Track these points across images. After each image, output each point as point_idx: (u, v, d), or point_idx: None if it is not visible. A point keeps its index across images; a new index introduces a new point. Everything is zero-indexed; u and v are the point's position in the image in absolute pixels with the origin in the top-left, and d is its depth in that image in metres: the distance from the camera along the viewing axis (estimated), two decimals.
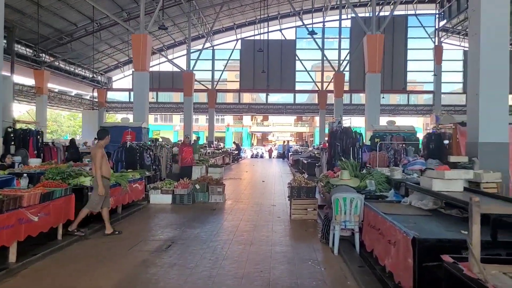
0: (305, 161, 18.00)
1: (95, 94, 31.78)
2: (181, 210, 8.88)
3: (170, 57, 31.28)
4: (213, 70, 32.59)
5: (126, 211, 8.22)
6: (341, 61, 26.51)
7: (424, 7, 31.45)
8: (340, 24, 27.88)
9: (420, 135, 15.12)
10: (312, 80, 32.32)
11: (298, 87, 32.88)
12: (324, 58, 28.64)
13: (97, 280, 4.52)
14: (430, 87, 31.72)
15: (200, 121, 47.53)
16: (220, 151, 25.77)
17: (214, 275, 4.68)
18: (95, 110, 32.05)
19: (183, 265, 5.03)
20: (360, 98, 31.47)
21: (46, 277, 4.61)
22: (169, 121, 51.92)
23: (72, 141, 15.19)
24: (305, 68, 31.67)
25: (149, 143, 12.87)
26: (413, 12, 31.14)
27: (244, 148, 41.93)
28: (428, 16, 31.84)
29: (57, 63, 25.38)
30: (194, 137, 21.94)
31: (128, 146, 11.00)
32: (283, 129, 58.57)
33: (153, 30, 23.42)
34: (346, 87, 28.90)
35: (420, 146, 10.89)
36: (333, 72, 26.27)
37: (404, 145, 10.28)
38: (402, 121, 28.98)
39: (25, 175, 6.35)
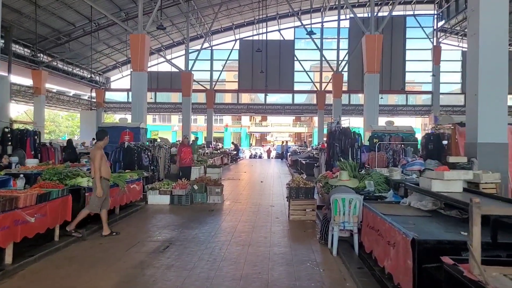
0: (304, 162, 17.99)
1: (93, 94, 31.69)
2: (179, 211, 8.84)
3: (168, 57, 31.25)
4: (211, 71, 32.53)
5: (124, 212, 8.17)
6: (339, 62, 26.51)
7: (423, 8, 31.47)
8: (338, 24, 27.91)
9: (419, 136, 15.13)
10: (310, 81, 32.32)
11: (296, 87, 32.86)
12: (323, 59, 28.64)
13: (94, 281, 4.48)
14: (429, 88, 31.74)
15: (199, 122, 47.47)
16: (218, 151, 25.74)
17: (212, 277, 4.65)
18: (93, 111, 31.98)
19: (180, 267, 4.99)
20: (358, 98, 31.47)
21: (43, 278, 4.57)
22: (168, 121, 51.86)
23: (69, 141, 15.15)
24: (304, 69, 31.65)
25: (147, 143, 12.83)
26: (411, 12, 31.14)
27: (243, 148, 41.91)
28: (426, 17, 31.84)
29: (55, 63, 25.30)
30: (192, 137, 21.94)
31: (126, 146, 10.95)
32: (281, 129, 58.59)
33: (152, 30, 23.42)
34: (344, 88, 28.92)
35: (419, 146, 10.88)
36: (332, 73, 26.27)
37: (403, 145, 10.28)
38: (401, 122, 29.09)
39: (21, 175, 6.32)
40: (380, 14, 24.25)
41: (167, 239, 6.33)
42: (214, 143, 31.17)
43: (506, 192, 6.66)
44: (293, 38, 32.77)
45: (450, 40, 32.46)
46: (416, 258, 3.26)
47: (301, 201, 7.91)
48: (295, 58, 32.03)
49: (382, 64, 19.24)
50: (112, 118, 35.89)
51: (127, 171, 9.63)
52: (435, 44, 31.07)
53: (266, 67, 29.49)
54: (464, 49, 29.89)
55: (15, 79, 22.11)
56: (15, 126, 14.76)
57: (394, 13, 24.94)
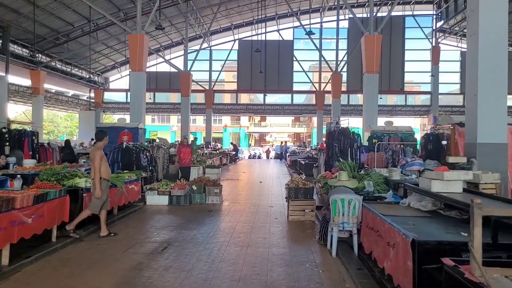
0: (303, 162, 17.97)
1: (92, 94, 31.65)
2: (178, 211, 8.81)
3: (167, 57, 31.22)
4: (210, 71, 32.52)
5: (122, 212, 8.13)
6: (338, 62, 26.50)
7: (422, 8, 31.50)
8: (337, 24, 27.89)
9: (418, 136, 15.11)
10: (309, 81, 32.33)
11: (295, 87, 32.87)
12: (322, 59, 28.62)
13: (92, 283, 4.44)
14: (428, 88, 31.78)
15: (198, 122, 47.46)
16: (217, 151, 25.71)
17: (210, 278, 4.61)
18: (92, 111, 31.92)
19: (179, 268, 4.96)
20: (357, 98, 31.49)
21: (40, 280, 4.53)
22: (167, 121, 51.82)
23: (67, 142, 15.12)
24: (303, 69, 31.66)
25: (146, 143, 12.79)
26: (410, 12, 31.20)
27: (242, 148, 41.88)
28: (425, 17, 31.89)
29: (53, 64, 25.26)
30: (191, 137, 21.92)
31: (124, 146, 10.92)
32: (280, 129, 58.59)
33: (150, 30, 23.36)
34: (343, 88, 28.94)
35: (418, 146, 10.86)
36: (331, 73, 26.26)
37: (402, 145, 10.26)
38: (400, 122, 29.11)
39: (18, 176, 6.28)
40: (379, 14, 24.24)
41: (166, 240, 6.30)
42: (213, 143, 31.15)
43: (506, 193, 6.64)
44: (292, 38, 32.79)
45: (449, 41, 32.49)
46: (416, 259, 3.23)
47: (300, 202, 7.88)
48: (294, 58, 32.04)
49: (381, 64, 19.22)
50: (111, 119, 35.89)
51: (125, 171, 9.61)
52: (434, 44, 31.10)
53: (265, 68, 29.48)
54: (463, 49, 29.93)
55: (14, 79, 22.06)
56: (13, 126, 14.72)
57: (393, 13, 24.95)
